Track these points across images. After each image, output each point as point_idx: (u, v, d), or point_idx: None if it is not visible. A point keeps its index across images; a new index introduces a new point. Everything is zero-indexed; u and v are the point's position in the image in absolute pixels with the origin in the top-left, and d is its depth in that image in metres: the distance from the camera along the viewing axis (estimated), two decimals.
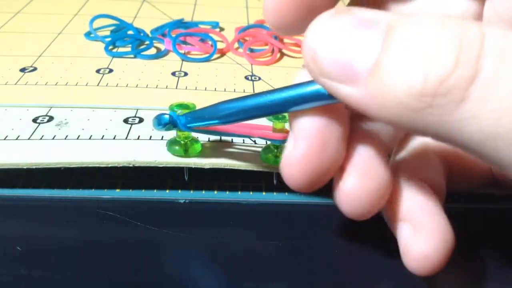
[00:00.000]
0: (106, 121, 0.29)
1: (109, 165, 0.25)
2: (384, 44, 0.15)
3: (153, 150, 0.26)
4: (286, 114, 0.23)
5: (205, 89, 0.34)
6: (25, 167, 0.25)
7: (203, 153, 0.26)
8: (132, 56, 0.39)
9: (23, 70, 0.36)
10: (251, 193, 0.26)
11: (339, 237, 0.24)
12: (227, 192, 0.26)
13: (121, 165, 0.25)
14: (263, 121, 0.27)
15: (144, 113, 0.31)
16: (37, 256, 0.22)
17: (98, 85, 0.34)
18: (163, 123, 0.24)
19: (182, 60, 0.39)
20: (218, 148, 0.27)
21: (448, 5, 0.20)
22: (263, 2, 0.20)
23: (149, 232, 0.23)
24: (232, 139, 0.28)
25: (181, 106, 0.26)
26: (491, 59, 0.14)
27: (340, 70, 0.16)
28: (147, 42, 0.41)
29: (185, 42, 0.41)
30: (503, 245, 0.24)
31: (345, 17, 0.16)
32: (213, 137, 0.28)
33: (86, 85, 0.34)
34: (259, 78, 0.36)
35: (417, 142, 0.23)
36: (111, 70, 0.36)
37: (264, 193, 0.26)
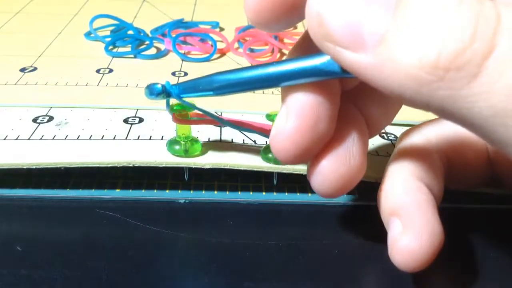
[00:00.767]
0: (106, 121, 0.29)
1: (109, 165, 0.25)
2: (397, 11, 0.15)
3: (153, 150, 0.26)
4: None
5: None
6: (25, 167, 0.25)
7: (203, 153, 0.26)
8: (132, 56, 0.39)
9: (23, 70, 0.36)
10: (251, 193, 0.26)
11: (339, 237, 0.24)
12: (227, 192, 0.26)
13: (121, 165, 0.25)
14: (263, 121, 0.27)
15: (144, 113, 0.31)
16: (37, 256, 0.22)
17: (98, 85, 0.34)
18: (156, 92, 0.23)
19: (182, 60, 0.39)
20: (218, 148, 0.27)
21: None
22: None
23: (149, 232, 0.23)
24: (232, 139, 0.28)
25: (182, 106, 0.26)
26: (507, 35, 0.14)
27: (347, 34, 0.15)
28: (147, 42, 0.41)
29: (185, 42, 0.41)
30: (503, 245, 0.24)
31: None
32: (213, 137, 0.28)
33: (86, 85, 0.34)
34: None
35: (418, 137, 0.23)
36: (111, 70, 0.36)
37: (264, 193, 0.26)
